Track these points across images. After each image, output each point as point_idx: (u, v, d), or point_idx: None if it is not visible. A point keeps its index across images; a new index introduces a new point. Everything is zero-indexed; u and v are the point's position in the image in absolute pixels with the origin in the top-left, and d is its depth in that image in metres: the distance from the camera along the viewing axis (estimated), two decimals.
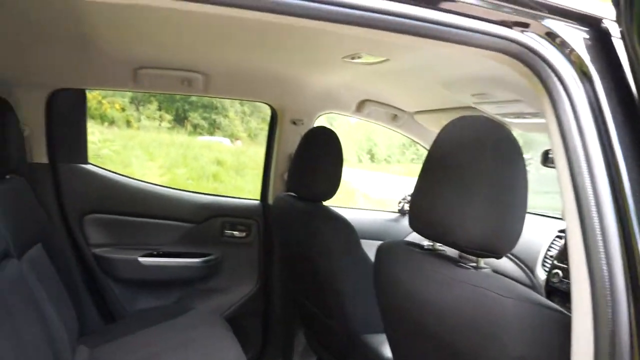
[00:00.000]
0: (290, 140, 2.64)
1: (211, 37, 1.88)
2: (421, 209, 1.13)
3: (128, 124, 16.71)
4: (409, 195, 3.16)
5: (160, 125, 19.84)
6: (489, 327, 0.93)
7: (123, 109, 17.19)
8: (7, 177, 1.94)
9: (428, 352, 1.17)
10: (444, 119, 1.61)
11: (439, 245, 1.18)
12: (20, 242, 1.70)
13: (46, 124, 2.30)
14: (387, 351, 1.67)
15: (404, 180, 13.32)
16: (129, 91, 2.31)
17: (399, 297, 1.22)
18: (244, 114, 22.65)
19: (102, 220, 2.46)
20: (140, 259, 2.43)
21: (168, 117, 21.09)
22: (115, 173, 2.56)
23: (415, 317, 1.15)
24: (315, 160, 2.06)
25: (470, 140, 1.03)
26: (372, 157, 16.24)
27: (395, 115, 2.80)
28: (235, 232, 2.66)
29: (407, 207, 3.17)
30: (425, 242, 1.20)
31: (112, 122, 15.09)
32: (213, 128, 20.83)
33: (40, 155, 2.31)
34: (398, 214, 3.16)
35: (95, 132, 9.84)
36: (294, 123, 2.64)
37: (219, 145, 13.61)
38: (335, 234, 1.91)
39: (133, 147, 10.77)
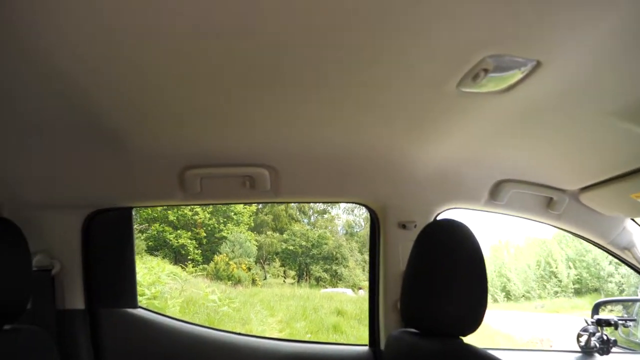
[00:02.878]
0: (401, 252, 1.81)
1: (275, 119, 1.34)
2: None
3: (254, 282, 16.83)
4: (590, 328, 2.07)
5: (284, 281, 19.87)
6: None
7: (249, 269, 17.55)
8: (6, 327, 1.34)
9: None
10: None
11: None
12: None
13: (82, 256, 1.74)
14: None
15: (551, 317, 11.26)
16: (179, 205, 1.82)
17: None
18: (364, 263, 22.02)
19: None
20: None
21: (292, 273, 21.20)
22: (173, 318, 1.88)
23: None
24: (442, 272, 1.20)
25: None
26: (508, 295, 14.33)
27: (550, 200, 1.87)
28: None
29: (593, 341, 2.05)
30: None
31: (237, 282, 15.24)
32: (335, 279, 20.35)
33: (72, 299, 1.72)
34: (580, 354, 2.04)
35: (216, 291, 9.69)
36: (403, 227, 1.82)
37: (341, 296, 12.98)
38: None
39: (254, 304, 10.36)
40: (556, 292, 13.80)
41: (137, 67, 1.05)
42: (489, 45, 0.97)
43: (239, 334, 1.88)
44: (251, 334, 1.93)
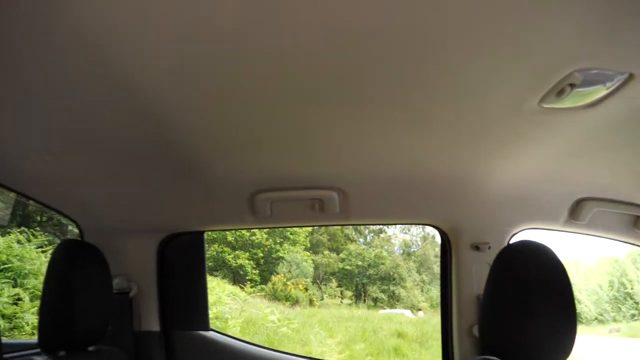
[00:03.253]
0: (474, 274, 1.73)
1: (344, 141, 1.34)
2: None
3: (311, 302, 16.78)
4: None
5: (341, 302, 19.70)
6: None
7: (306, 289, 17.55)
8: (91, 349, 1.39)
9: None
10: None
11: None
12: None
13: (157, 280, 1.79)
14: None
15: (629, 342, 10.47)
16: (249, 228, 1.81)
17: None
18: (423, 283, 21.48)
19: None
20: None
21: (349, 293, 20.99)
22: (244, 342, 1.88)
23: None
24: (526, 296, 1.13)
25: None
26: (579, 318, 13.49)
27: (637, 218, 1.74)
28: None
29: None
30: None
31: (295, 302, 15.25)
32: (392, 300, 19.95)
33: (148, 321, 1.77)
34: None
35: (275, 312, 9.73)
36: (477, 248, 1.75)
37: (400, 317, 12.68)
38: None
39: (312, 325, 10.30)
40: (633, 315, 12.84)
41: (213, 95, 1.07)
42: (579, 59, 0.92)
43: (312, 358, 1.85)
44: (319, 358, 1.89)
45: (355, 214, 1.71)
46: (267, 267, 18.53)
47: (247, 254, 17.72)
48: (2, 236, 6.68)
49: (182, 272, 1.84)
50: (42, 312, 1.32)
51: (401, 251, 24.32)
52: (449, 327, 1.81)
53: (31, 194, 1.53)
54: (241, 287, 12.87)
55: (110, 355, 1.45)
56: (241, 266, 17.08)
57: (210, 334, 1.84)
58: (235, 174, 1.57)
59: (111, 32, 0.84)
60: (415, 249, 24.71)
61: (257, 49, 0.90)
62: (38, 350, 1.30)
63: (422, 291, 21.06)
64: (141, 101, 1.10)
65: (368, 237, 24.42)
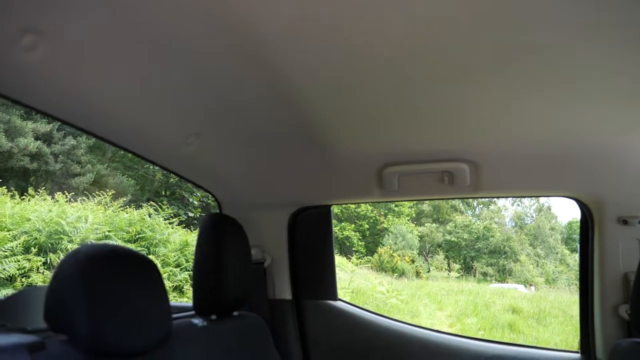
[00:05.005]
0: (621, 251, 1.59)
1: (476, 113, 1.28)
2: None
3: (417, 274, 16.71)
4: None
5: (449, 275, 19.36)
6: None
7: (412, 261, 17.48)
8: (235, 314, 1.52)
9: None
10: None
11: None
12: None
13: (289, 251, 1.88)
14: None
15: None
16: (376, 202, 1.84)
17: None
18: (537, 257, 20.32)
19: None
20: None
21: (456, 266, 20.55)
22: (370, 312, 1.93)
23: None
24: None
25: None
26: None
27: None
28: None
29: None
30: None
31: (401, 274, 15.28)
32: (503, 274, 19.17)
33: (281, 289, 1.88)
34: None
35: (383, 283, 9.83)
36: (624, 222, 1.59)
37: (513, 292, 12.16)
38: None
39: (421, 297, 10.26)
40: None
41: (345, 73, 1.08)
42: None
43: (437, 331, 1.85)
44: (449, 332, 1.87)
45: (486, 186, 1.64)
46: (372, 238, 18.71)
47: (353, 225, 18.03)
48: (136, 209, 7.43)
49: (311, 244, 1.91)
50: (196, 280, 1.45)
51: (513, 224, 23.16)
52: (589, 306, 1.69)
53: (179, 171, 1.66)
54: (348, 258, 13.16)
55: (251, 320, 1.55)
56: (347, 237, 17.43)
57: (338, 303, 1.90)
58: (364, 150, 1.58)
59: (258, 17, 0.87)
60: (529, 222, 23.36)
61: (391, 32, 0.88)
62: (193, 312, 1.44)
63: (537, 265, 19.97)
64: (281, 87, 1.14)
65: (477, 209, 23.54)
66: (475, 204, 22.35)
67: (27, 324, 1.01)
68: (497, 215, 21.58)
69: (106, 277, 0.92)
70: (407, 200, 2.02)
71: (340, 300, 1.92)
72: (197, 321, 1.35)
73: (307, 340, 1.88)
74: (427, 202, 22.03)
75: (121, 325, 0.91)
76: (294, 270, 1.90)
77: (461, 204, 21.83)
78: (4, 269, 5.18)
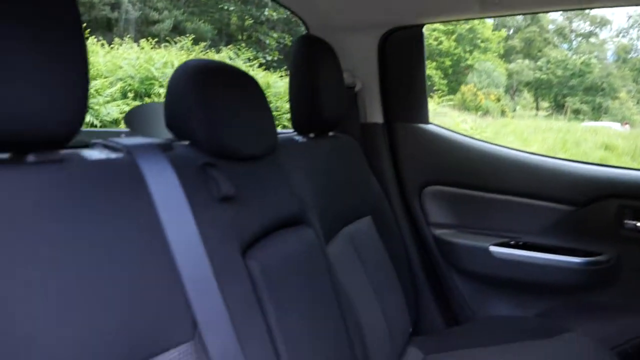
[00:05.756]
0: None
1: None
2: None
3: (502, 113, 16.12)
4: None
5: (537, 114, 18.48)
6: None
7: (498, 99, 16.75)
8: (330, 134, 1.57)
9: None
10: None
11: None
12: (342, 212, 1.33)
13: (379, 75, 1.84)
14: None
15: None
16: (475, 18, 1.68)
17: None
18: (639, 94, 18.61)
19: (445, 194, 1.83)
20: (493, 249, 1.70)
21: (544, 104, 19.48)
22: (465, 136, 1.90)
23: None
24: None
25: None
26: None
27: None
28: None
29: None
30: None
31: (486, 112, 14.81)
32: (598, 113, 17.98)
33: (373, 113, 1.88)
34: None
35: (467, 120, 9.64)
36: None
37: (606, 130, 11.54)
38: None
39: (506, 134, 10.02)
40: None
41: None
42: None
43: (535, 153, 1.81)
44: (550, 155, 1.81)
45: None
46: (455, 77, 17.88)
47: (434, 63, 17.20)
48: (217, 53, 7.51)
49: (403, 67, 1.85)
50: (293, 101, 1.48)
51: (616, 58, 20.88)
52: None
53: None
54: (430, 97, 12.87)
55: (345, 141, 1.60)
56: (429, 76, 16.78)
57: (430, 126, 1.89)
58: None
59: None
60: (635, 55, 20.90)
61: None
62: (294, 131, 1.51)
63: (638, 103, 18.39)
64: None
65: (574, 42, 21.29)
66: (572, 36, 20.14)
67: (152, 135, 1.11)
68: (598, 49, 19.50)
69: (217, 89, 0.96)
70: (511, 15, 1.83)
71: (432, 124, 1.91)
72: (297, 138, 1.42)
73: (399, 162, 1.92)
74: (517, 37, 20.18)
75: (236, 131, 0.97)
76: (385, 94, 1.87)
77: (556, 38, 19.82)
78: (108, 113, 5.65)
